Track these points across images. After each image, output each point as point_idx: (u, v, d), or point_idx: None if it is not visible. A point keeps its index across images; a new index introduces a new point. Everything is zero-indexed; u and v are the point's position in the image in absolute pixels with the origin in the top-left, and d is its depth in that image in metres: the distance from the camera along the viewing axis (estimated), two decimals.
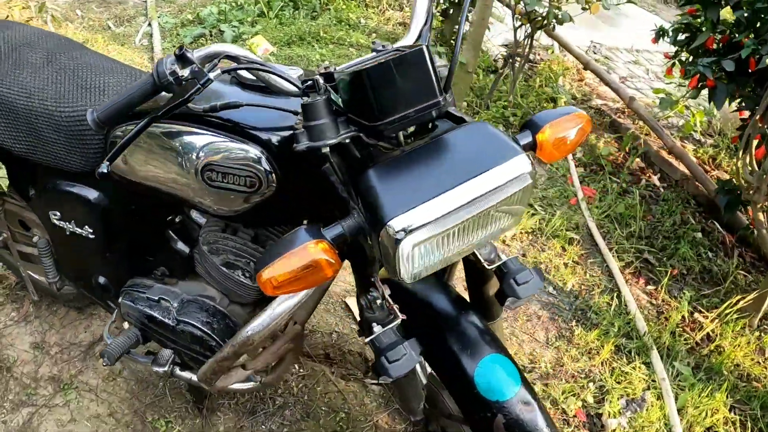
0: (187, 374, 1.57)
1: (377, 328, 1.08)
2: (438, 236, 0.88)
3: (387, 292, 1.12)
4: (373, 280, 1.14)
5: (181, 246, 1.48)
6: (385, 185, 0.88)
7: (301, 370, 1.99)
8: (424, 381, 1.29)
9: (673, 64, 2.78)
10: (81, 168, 1.41)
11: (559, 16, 2.96)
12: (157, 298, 1.46)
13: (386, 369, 1.02)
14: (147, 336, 1.55)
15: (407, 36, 1.20)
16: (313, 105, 0.90)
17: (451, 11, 3.76)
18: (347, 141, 0.93)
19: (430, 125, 0.98)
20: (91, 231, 1.50)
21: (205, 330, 1.38)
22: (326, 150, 0.91)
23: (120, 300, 1.53)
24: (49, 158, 1.43)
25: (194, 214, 1.45)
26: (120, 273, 1.59)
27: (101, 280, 1.63)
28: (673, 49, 2.78)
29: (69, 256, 1.68)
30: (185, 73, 0.95)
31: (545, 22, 3.01)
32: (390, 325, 1.08)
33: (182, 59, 0.95)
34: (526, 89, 3.66)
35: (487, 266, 1.14)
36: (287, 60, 3.79)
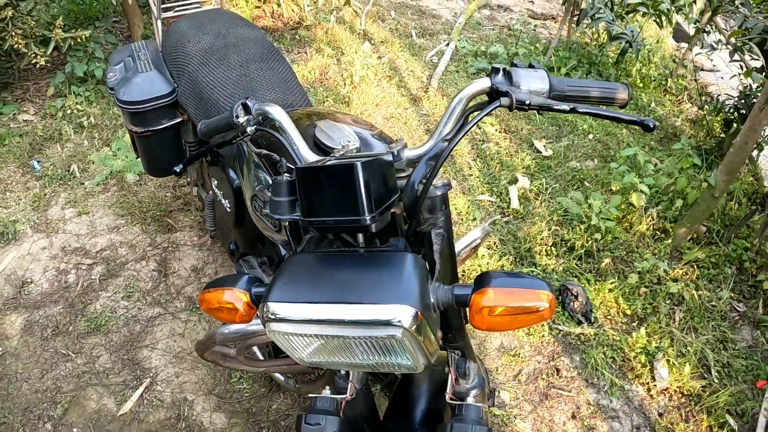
0: None
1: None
2: (304, 336, 0.91)
3: None
4: None
5: (280, 248, 1.72)
6: (291, 273, 0.96)
7: None
8: None
9: None
10: (226, 153, 1.76)
11: None
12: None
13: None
14: None
15: (427, 141, 1.10)
16: (277, 183, 1.02)
17: (735, 123, 3.30)
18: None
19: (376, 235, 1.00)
20: (229, 205, 1.83)
21: None
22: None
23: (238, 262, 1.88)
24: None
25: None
26: (241, 247, 1.92)
27: (231, 245, 1.99)
28: None
29: (219, 216, 2.07)
30: (242, 119, 1.16)
31: None
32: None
33: (245, 108, 1.16)
34: None
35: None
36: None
